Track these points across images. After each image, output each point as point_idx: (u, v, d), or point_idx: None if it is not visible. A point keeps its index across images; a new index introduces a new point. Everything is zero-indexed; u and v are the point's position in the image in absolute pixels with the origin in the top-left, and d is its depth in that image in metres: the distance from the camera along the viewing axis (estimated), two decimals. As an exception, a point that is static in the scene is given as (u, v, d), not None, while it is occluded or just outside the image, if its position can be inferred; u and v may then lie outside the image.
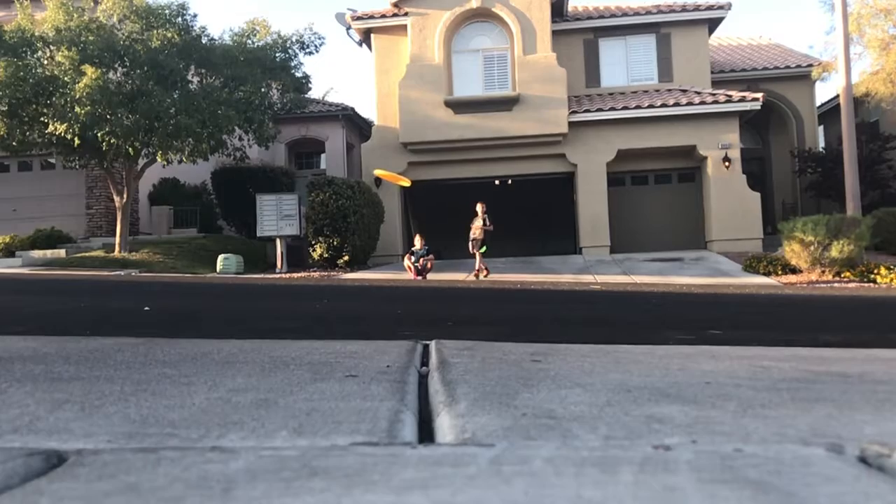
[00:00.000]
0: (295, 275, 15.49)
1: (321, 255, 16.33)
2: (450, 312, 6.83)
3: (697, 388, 2.38)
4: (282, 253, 16.97)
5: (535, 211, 19.65)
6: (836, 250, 13.51)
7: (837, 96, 18.60)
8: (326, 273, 15.70)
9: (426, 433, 1.78)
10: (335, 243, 16.16)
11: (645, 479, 1.31)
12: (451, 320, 5.72)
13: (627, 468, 1.37)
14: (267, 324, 5.46)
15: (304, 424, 1.73)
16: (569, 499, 1.19)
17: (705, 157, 18.33)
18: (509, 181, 19.43)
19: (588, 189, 18.69)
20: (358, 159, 22.46)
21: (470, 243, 15.12)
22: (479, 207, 15.20)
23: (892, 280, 12.86)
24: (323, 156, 25.07)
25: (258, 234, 17.74)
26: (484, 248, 15.00)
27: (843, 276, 13.61)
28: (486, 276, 14.43)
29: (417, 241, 15.24)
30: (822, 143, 23.64)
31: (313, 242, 16.37)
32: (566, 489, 1.25)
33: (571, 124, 18.39)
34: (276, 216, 17.26)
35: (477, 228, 15.07)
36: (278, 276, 15.55)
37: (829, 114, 23.20)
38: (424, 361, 2.89)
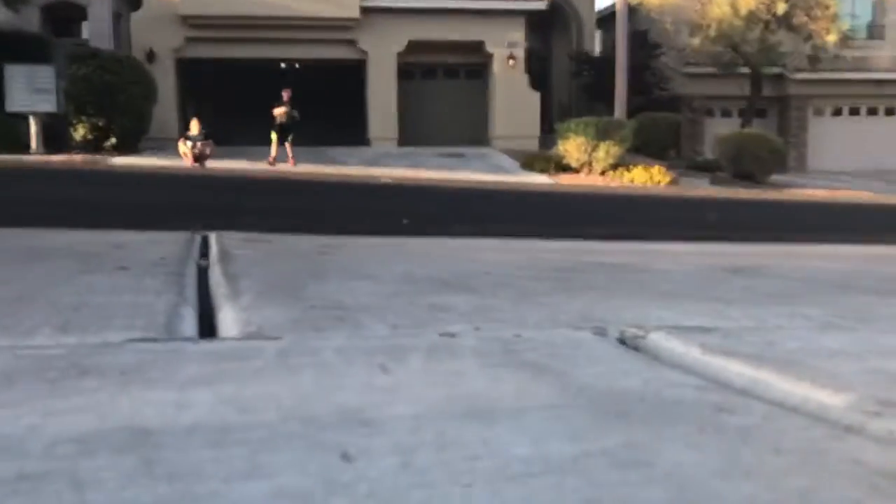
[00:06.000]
0: (54, 157, 13.99)
1: (84, 137, 14.90)
2: (232, 203, 6.57)
3: (479, 278, 2.49)
4: (37, 132, 15.17)
5: (324, 99, 19.11)
6: (604, 151, 14.67)
7: (615, 3, 19.65)
8: (91, 156, 14.34)
9: (208, 328, 1.70)
10: (100, 124, 14.78)
11: (432, 365, 1.36)
12: (233, 212, 5.51)
13: (416, 355, 1.41)
14: (21, 210, 4.90)
15: (70, 321, 1.58)
16: (360, 387, 1.20)
17: (492, 55, 18.79)
18: (297, 65, 18.69)
19: (378, 79, 18.52)
20: (127, 31, 20.31)
21: (274, 129, 14.74)
22: (284, 94, 15.01)
23: (647, 180, 14.25)
24: (85, 24, 22.30)
25: (7, 109, 15.64)
26: (290, 137, 14.87)
27: (608, 174, 14.85)
28: (293, 166, 14.25)
29: (194, 125, 14.37)
30: (598, 48, 25.02)
31: (75, 122, 14.84)
32: (357, 378, 1.25)
33: (363, 10, 17.94)
34: (29, 90, 15.29)
35: (282, 114, 14.76)
36: (34, 158, 13.96)
37: (608, 19, 24.44)
38: (204, 254, 2.74)
